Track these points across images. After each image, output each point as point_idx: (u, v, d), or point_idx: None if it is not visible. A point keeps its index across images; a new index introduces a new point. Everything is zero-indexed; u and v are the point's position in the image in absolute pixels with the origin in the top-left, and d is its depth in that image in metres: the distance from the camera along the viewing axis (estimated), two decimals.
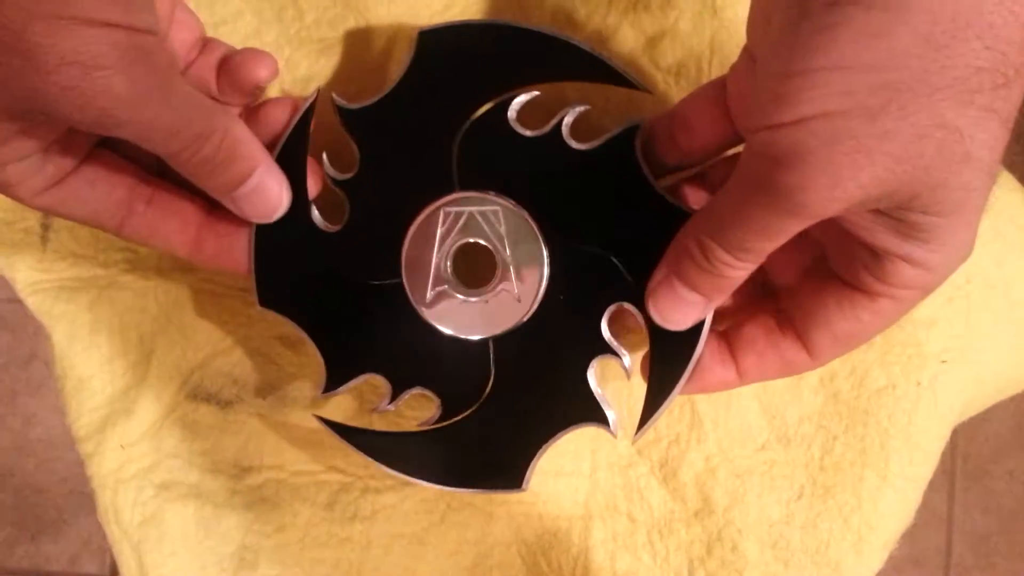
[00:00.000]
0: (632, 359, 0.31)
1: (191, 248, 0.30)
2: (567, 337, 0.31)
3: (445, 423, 0.31)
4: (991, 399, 0.37)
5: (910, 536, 0.35)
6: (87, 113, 0.23)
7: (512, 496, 0.35)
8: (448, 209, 0.30)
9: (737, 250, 0.25)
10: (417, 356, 0.31)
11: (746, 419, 0.34)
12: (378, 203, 0.31)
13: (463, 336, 0.31)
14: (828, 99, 0.21)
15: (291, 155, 0.30)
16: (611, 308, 0.30)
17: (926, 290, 0.26)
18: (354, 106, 0.30)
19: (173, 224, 0.29)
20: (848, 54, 0.21)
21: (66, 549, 1.08)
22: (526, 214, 0.30)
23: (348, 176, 0.31)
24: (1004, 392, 0.37)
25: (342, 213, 0.31)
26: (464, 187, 0.30)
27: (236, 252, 0.30)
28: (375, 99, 0.30)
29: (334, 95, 0.31)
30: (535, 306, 0.30)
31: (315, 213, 0.31)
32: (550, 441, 0.30)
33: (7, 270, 0.35)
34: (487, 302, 0.31)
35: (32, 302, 0.35)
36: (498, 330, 0.31)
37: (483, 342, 0.31)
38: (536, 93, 0.30)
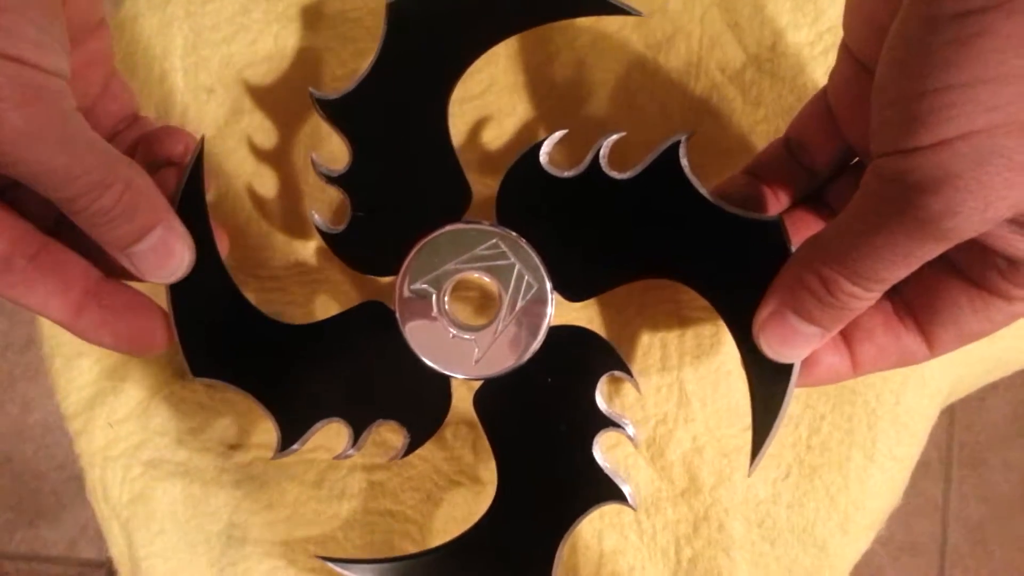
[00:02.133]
0: (635, 426, 0.30)
1: (69, 314, 0.27)
2: (564, 419, 0.30)
3: (458, 537, 0.30)
4: (980, 380, 0.37)
5: (906, 523, 0.35)
6: None
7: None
8: (493, 241, 0.29)
9: (868, 281, 0.23)
10: (373, 387, 0.30)
11: (734, 399, 0.34)
12: (379, 192, 0.29)
13: (422, 359, 0.29)
14: (973, 117, 0.19)
15: (190, 207, 0.28)
16: (603, 379, 0.29)
17: None
18: (333, 96, 0.29)
19: (53, 284, 0.27)
20: (993, 66, 0.19)
21: (64, 534, 1.09)
22: (549, 289, 0.29)
23: (341, 171, 0.29)
24: (993, 374, 0.37)
25: (343, 213, 0.30)
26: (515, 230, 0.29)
27: (118, 327, 0.28)
28: (354, 84, 0.29)
29: (311, 89, 0.29)
30: (503, 370, 0.29)
31: (315, 217, 0.30)
32: (570, 530, 0.29)
33: None
34: (459, 339, 0.29)
35: None
36: (454, 372, 0.29)
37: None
38: (564, 132, 0.29)
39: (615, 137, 0.28)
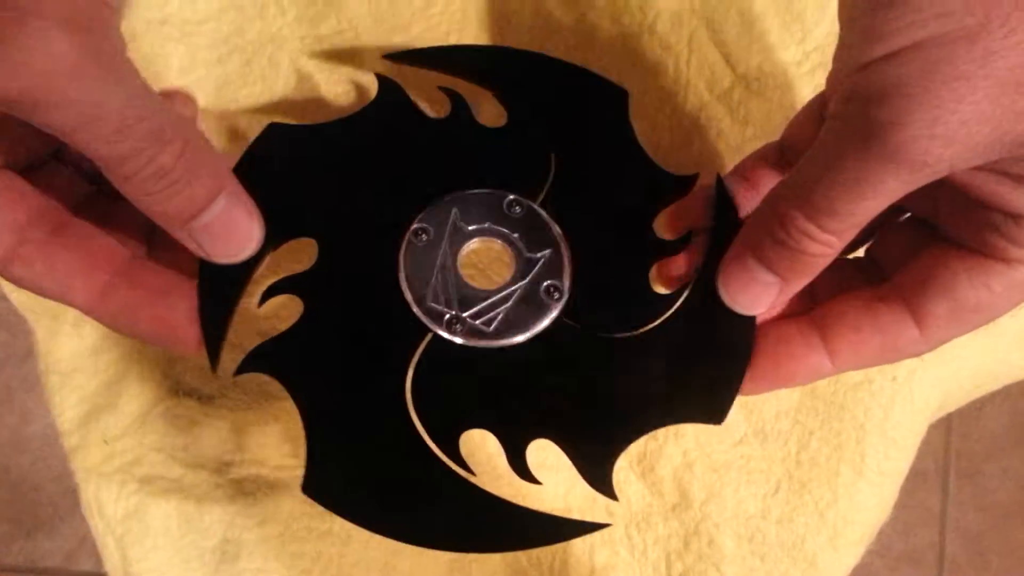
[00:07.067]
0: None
1: (94, 297, 0.23)
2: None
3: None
4: (969, 395, 0.37)
5: (903, 533, 0.35)
6: (16, 80, 0.18)
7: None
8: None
9: (823, 215, 0.22)
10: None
11: None
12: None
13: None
14: (922, 26, 0.19)
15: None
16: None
17: None
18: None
19: (77, 263, 0.23)
20: None
21: (62, 546, 1.09)
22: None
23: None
24: (982, 388, 0.38)
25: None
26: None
27: (155, 312, 0.24)
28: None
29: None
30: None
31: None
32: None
33: None
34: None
35: (15, 297, 0.35)
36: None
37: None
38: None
39: None
